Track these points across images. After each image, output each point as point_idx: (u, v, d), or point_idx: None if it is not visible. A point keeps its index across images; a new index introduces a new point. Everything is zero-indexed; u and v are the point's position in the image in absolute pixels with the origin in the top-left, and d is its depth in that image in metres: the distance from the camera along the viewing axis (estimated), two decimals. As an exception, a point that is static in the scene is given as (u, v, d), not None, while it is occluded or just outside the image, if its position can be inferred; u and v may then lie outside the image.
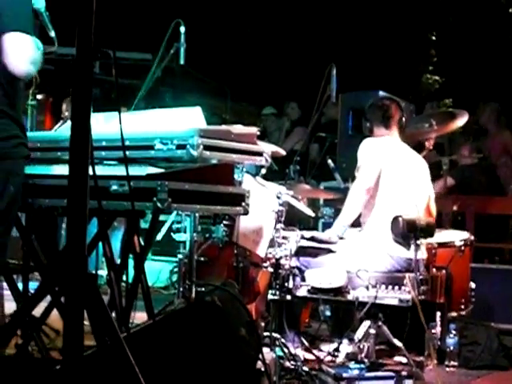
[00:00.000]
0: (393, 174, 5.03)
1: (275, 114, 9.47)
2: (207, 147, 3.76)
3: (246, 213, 3.83)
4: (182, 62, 5.18)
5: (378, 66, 10.42)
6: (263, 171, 5.25)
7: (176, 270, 5.48)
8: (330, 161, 6.46)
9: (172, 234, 5.62)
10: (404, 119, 5.29)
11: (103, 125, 4.37)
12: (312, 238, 4.82)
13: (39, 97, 7.71)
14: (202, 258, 5.09)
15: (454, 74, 11.71)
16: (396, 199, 5.01)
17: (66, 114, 7.43)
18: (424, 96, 11.27)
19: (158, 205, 3.43)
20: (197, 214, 5.19)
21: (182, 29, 5.14)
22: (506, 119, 8.45)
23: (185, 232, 5.42)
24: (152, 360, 2.74)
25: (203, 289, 4.19)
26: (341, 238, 4.94)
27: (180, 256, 5.41)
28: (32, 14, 3.56)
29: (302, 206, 5.07)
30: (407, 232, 4.79)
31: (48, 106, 8.60)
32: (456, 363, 5.24)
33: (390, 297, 4.68)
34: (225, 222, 5.22)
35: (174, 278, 5.73)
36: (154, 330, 2.92)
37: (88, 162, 2.47)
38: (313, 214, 5.26)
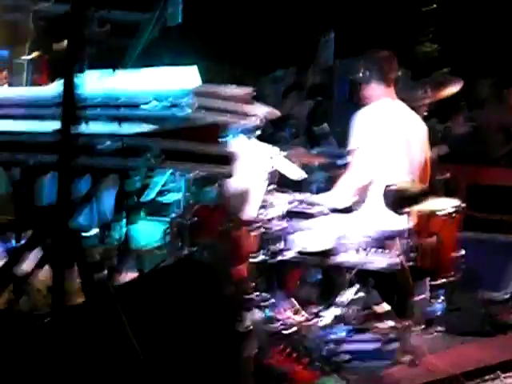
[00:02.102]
0: (389, 145, 5.02)
1: (277, 78, 9.45)
2: (201, 107, 3.77)
3: (229, 175, 3.85)
4: (179, 20, 5.19)
5: (376, 33, 10.38)
6: (257, 133, 5.25)
7: (168, 230, 5.52)
8: (324, 125, 6.46)
9: (164, 193, 5.67)
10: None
11: (98, 82, 4.39)
12: (303, 201, 4.85)
13: (34, 55, 7.69)
14: (194, 219, 5.12)
15: (453, 44, 11.66)
16: (391, 168, 5.02)
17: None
18: (421, 64, 11.25)
19: (151, 161, 3.45)
20: (190, 175, 5.23)
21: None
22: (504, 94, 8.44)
23: (177, 192, 5.46)
24: (138, 314, 2.77)
25: (192, 249, 4.22)
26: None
27: (172, 216, 5.46)
28: None
29: (293, 169, 5.05)
30: (399, 200, 4.81)
31: (44, 64, 8.57)
32: (442, 329, 5.29)
33: (379, 260, 4.72)
34: (217, 183, 5.26)
35: (167, 238, 5.76)
36: (142, 284, 2.96)
37: (78, 118, 2.48)
38: (298, 177, 5.22)
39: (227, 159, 3.77)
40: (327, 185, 6.15)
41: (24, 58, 5.10)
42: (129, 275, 3.96)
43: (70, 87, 2.45)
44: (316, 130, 6.96)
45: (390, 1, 11.12)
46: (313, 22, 9.92)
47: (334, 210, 4.88)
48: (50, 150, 3.53)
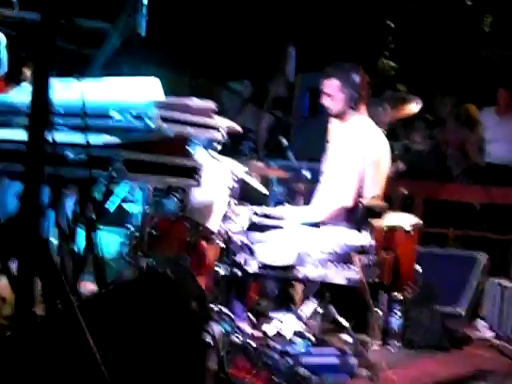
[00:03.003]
0: (368, 162, 5.03)
1: (236, 91, 9.45)
2: (164, 119, 3.77)
3: (198, 185, 3.85)
4: (142, 33, 5.15)
5: (336, 48, 10.45)
6: (218, 147, 5.25)
7: (127, 242, 5.48)
8: (283, 139, 6.48)
9: (123, 204, 5.63)
10: None
11: (60, 91, 4.35)
12: (264, 214, 4.86)
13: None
14: (153, 231, 5.10)
15: (410, 62, 11.78)
16: (366, 184, 5.02)
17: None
18: (379, 81, 11.35)
19: (113, 174, 3.44)
20: (150, 187, 5.20)
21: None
22: (465, 116, 8.54)
23: (137, 204, 5.41)
24: (103, 328, 2.75)
25: (154, 261, 4.20)
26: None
27: (131, 228, 5.41)
28: None
29: (256, 183, 5.09)
30: (365, 217, 4.85)
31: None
32: (400, 344, 5.34)
33: (339, 276, 4.74)
34: (178, 195, 5.24)
35: (124, 250, 5.72)
36: (107, 298, 2.93)
37: (47, 128, 2.47)
38: (266, 192, 5.27)
39: (195, 171, 3.77)
40: (286, 198, 6.19)
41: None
42: (87, 287, 3.94)
43: (40, 96, 2.43)
44: (275, 143, 6.98)
45: (349, 17, 11.23)
46: (272, 35, 9.99)
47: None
48: (17, 159, 3.52)
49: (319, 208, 5.05)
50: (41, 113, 2.45)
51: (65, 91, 4.19)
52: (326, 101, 5.12)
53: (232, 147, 6.09)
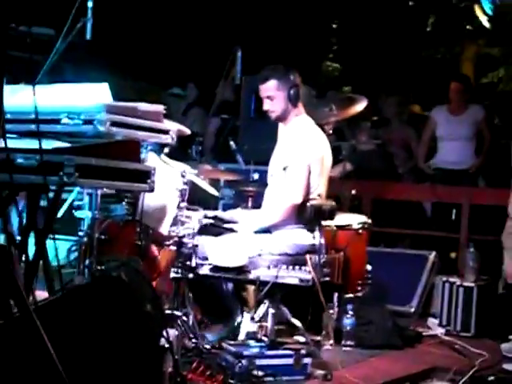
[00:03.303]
0: (314, 162, 5.06)
1: (180, 95, 9.44)
2: (114, 123, 3.76)
3: (151, 190, 3.85)
4: (88, 37, 5.12)
5: (281, 50, 10.49)
6: (166, 150, 5.24)
7: (74, 248, 5.43)
8: (232, 142, 6.48)
9: (73, 211, 5.57)
10: None
11: (8, 97, 4.30)
12: (215, 217, 4.86)
13: None
14: (103, 236, 5.06)
15: (354, 63, 11.89)
16: (312, 184, 5.05)
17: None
18: (324, 82, 11.43)
19: (65, 179, 3.41)
20: (98, 192, 5.17)
21: (90, 3, 5.07)
22: (408, 115, 8.64)
23: (86, 209, 5.36)
24: (58, 333, 2.73)
25: (103, 267, 4.18)
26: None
27: (80, 234, 5.35)
28: None
29: (206, 186, 5.09)
30: (314, 217, 4.87)
31: None
32: (352, 343, 5.36)
33: (291, 276, 4.76)
34: (127, 199, 5.21)
35: (72, 256, 5.68)
36: (62, 303, 2.91)
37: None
38: (217, 194, 5.28)
39: (147, 175, 3.76)
40: (235, 201, 6.20)
41: None
42: (38, 294, 3.90)
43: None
44: (221, 146, 7.00)
45: (293, 19, 11.29)
46: (216, 39, 10.00)
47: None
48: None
49: (271, 211, 5.07)
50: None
51: (12, 97, 4.15)
52: (266, 105, 5.16)
53: (180, 151, 6.09)
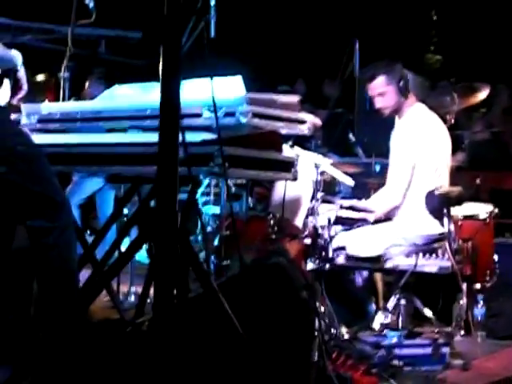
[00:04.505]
0: (436, 150, 5.02)
1: (289, 91, 9.46)
2: (255, 115, 3.78)
3: (295, 179, 3.86)
4: (212, 35, 5.16)
5: (383, 44, 10.44)
6: (289, 142, 5.25)
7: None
8: (351, 135, 6.48)
9: (201, 206, 5.64)
10: None
11: (142, 94, 4.39)
12: (351, 207, 4.86)
13: (40, 78, 7.68)
14: (228, 232, 5.12)
15: (456, 54, 11.74)
16: (436, 172, 5.01)
17: (90, 90, 7.45)
18: (427, 75, 11.31)
19: (215, 170, 3.45)
20: (224, 187, 5.22)
21: (212, 1, 5.11)
22: None
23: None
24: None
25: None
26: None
27: (209, 229, 5.42)
28: None
29: (341, 176, 5.08)
30: (442, 205, 4.84)
31: (49, 87, 8.54)
32: (483, 333, 5.29)
33: (431, 265, 4.73)
34: (255, 194, 5.25)
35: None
36: (239, 281, 2.97)
37: (178, 129, 2.52)
38: (352, 183, 5.26)
39: (292, 165, 3.78)
40: (353, 194, 6.18)
41: (60, 75, 5.09)
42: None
43: (169, 98, 2.49)
44: (339, 140, 6.98)
45: (393, 14, 11.23)
46: (324, 34, 10.00)
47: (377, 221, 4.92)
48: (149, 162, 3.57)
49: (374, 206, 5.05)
50: (171, 115, 2.50)
51: (147, 94, 4.24)
52: (378, 103, 5.14)
53: (299, 144, 6.10)
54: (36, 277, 3.53)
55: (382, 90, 5.10)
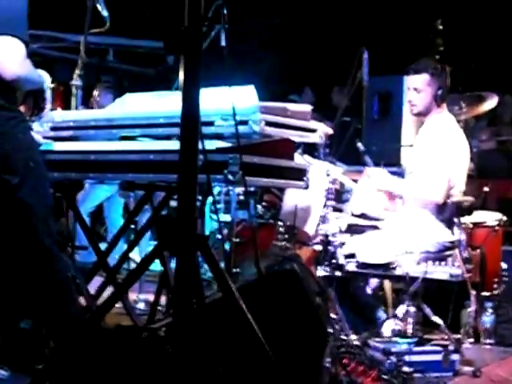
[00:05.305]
0: (457, 157, 5.04)
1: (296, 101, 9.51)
2: (267, 123, 3.83)
3: (307, 187, 3.90)
4: (223, 43, 5.20)
5: (389, 52, 10.47)
6: (299, 150, 5.28)
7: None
8: (359, 144, 6.49)
9: (211, 214, 5.67)
10: None
11: (154, 103, 4.43)
12: (362, 215, 4.89)
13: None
14: (238, 239, 5.15)
15: (461, 63, 11.75)
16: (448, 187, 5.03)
17: (98, 99, 7.49)
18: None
19: (229, 177, 3.49)
20: (234, 195, 5.26)
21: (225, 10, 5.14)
22: None
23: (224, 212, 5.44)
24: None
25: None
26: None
27: (218, 237, 5.44)
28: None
29: (352, 184, 5.10)
30: (454, 214, 4.86)
31: (58, 95, 8.59)
32: (492, 341, 5.33)
33: (441, 272, 4.75)
34: (264, 202, 5.28)
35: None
36: (254, 287, 3.00)
37: (198, 137, 2.56)
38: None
39: (304, 173, 3.82)
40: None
41: (73, 83, 5.13)
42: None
43: (190, 107, 2.54)
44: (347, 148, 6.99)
45: (399, 21, 11.27)
46: (332, 43, 10.03)
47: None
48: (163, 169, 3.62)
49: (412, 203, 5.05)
50: (192, 124, 2.55)
51: (161, 102, 4.28)
52: (412, 96, 5.12)
53: (307, 152, 6.13)
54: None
55: (419, 87, 5.08)
